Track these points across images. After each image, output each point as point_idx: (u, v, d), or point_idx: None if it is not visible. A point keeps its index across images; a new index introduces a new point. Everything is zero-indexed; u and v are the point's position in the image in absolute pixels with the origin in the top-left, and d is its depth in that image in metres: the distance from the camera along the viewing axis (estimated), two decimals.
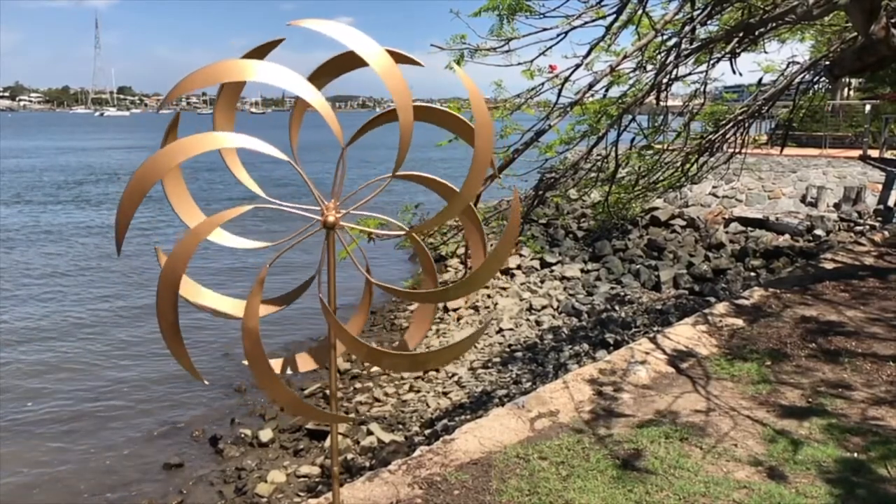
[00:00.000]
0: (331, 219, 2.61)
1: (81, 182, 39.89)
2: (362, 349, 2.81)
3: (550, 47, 6.29)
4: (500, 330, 12.80)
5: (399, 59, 2.56)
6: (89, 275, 18.25)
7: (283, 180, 30.51)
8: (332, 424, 2.95)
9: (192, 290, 2.77)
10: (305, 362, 3.06)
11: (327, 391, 9.93)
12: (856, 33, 7.20)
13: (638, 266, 15.77)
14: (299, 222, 2.75)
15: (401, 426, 9.33)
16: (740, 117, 8.97)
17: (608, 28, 6.13)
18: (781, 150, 16.48)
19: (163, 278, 2.40)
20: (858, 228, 15.87)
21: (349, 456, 8.49)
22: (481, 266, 2.69)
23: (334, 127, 2.44)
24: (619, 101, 7.20)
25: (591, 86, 6.13)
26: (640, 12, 6.16)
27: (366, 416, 9.65)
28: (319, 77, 2.71)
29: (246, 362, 2.55)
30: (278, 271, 2.75)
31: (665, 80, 6.60)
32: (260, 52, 2.64)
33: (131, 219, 2.40)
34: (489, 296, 14.93)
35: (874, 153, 19.57)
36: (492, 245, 2.87)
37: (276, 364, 2.90)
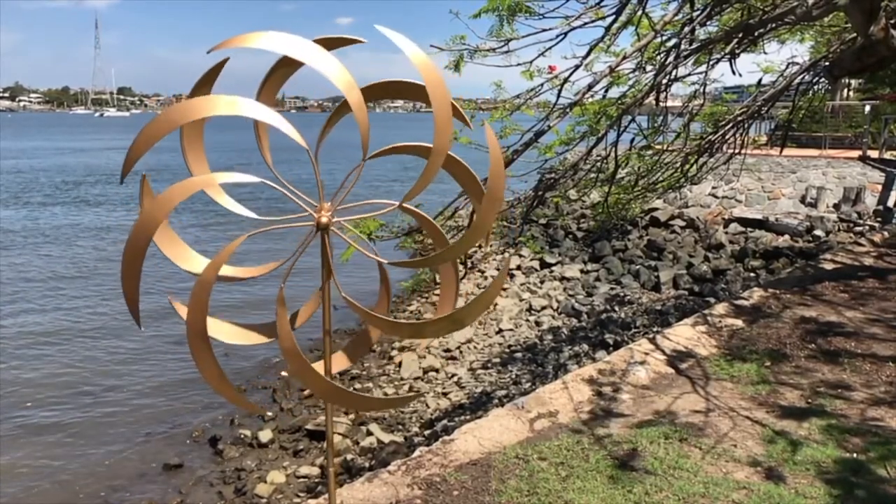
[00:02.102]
0: (323, 220, 2.61)
1: (80, 183, 39.87)
2: (404, 329, 2.87)
3: (550, 48, 6.30)
4: (500, 330, 12.81)
5: (339, 43, 2.55)
6: (88, 276, 18.25)
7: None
8: (328, 425, 2.94)
9: (216, 328, 2.76)
10: (339, 362, 3.08)
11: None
12: (855, 34, 7.21)
13: (637, 266, 15.77)
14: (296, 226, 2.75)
15: (400, 427, 9.34)
16: (740, 118, 8.97)
17: (607, 29, 6.13)
18: (781, 151, 16.48)
19: (189, 329, 2.42)
20: (858, 229, 15.88)
21: (349, 456, 8.49)
22: (479, 216, 2.64)
23: (297, 138, 2.43)
24: (619, 101, 7.20)
25: (590, 86, 6.13)
26: (639, 13, 6.16)
27: (365, 417, 9.65)
28: (272, 87, 2.67)
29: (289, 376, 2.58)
30: (280, 277, 2.75)
31: (664, 81, 6.60)
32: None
33: (138, 290, 2.39)
34: None
35: (874, 154, 19.57)
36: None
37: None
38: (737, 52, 7.22)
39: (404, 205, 2.67)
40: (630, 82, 7.23)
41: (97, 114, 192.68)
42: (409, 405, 9.98)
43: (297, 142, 2.43)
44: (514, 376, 10.45)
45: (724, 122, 8.92)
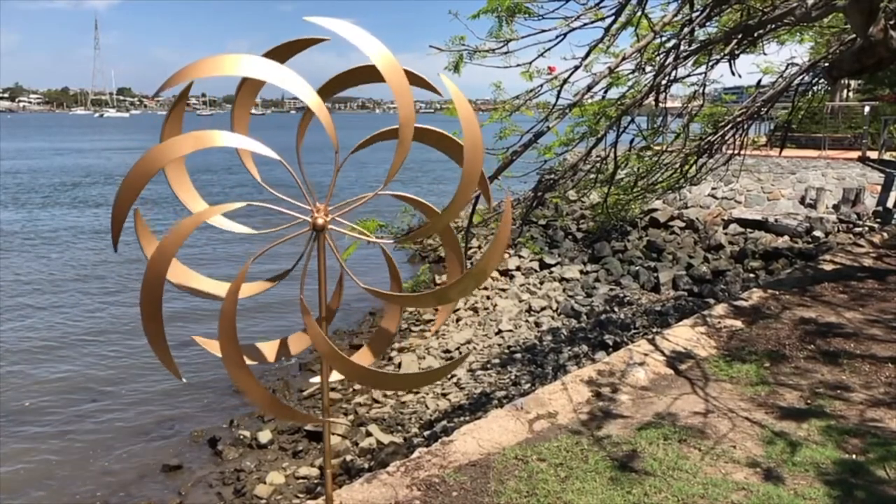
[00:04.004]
0: (320, 221, 2.61)
1: (79, 184, 39.83)
2: (428, 298, 3.08)
3: (549, 49, 6.29)
4: (500, 331, 12.80)
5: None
6: (86, 279, 18.20)
7: (282, 181, 30.46)
8: (325, 426, 2.94)
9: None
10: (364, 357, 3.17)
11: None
12: (854, 35, 7.21)
13: (637, 267, 15.77)
14: (293, 227, 2.75)
15: (400, 427, 9.33)
16: (739, 119, 8.97)
17: (607, 29, 6.13)
18: (780, 152, 16.47)
19: (226, 361, 2.46)
20: (857, 230, 15.88)
21: (348, 457, 8.48)
22: (465, 168, 2.66)
23: (270, 153, 2.49)
24: (618, 102, 7.20)
25: (589, 87, 6.12)
26: (638, 14, 6.16)
27: (364, 418, 9.65)
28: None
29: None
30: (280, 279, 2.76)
31: (664, 82, 6.60)
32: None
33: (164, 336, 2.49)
34: (488, 297, 14.92)
35: (873, 154, 19.58)
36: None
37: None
38: (736, 52, 7.22)
39: (397, 193, 2.74)
40: (629, 83, 7.24)
41: (97, 114, 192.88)
42: (409, 406, 9.98)
43: (272, 156, 2.48)
44: (513, 377, 10.44)
45: (723, 123, 8.92)
